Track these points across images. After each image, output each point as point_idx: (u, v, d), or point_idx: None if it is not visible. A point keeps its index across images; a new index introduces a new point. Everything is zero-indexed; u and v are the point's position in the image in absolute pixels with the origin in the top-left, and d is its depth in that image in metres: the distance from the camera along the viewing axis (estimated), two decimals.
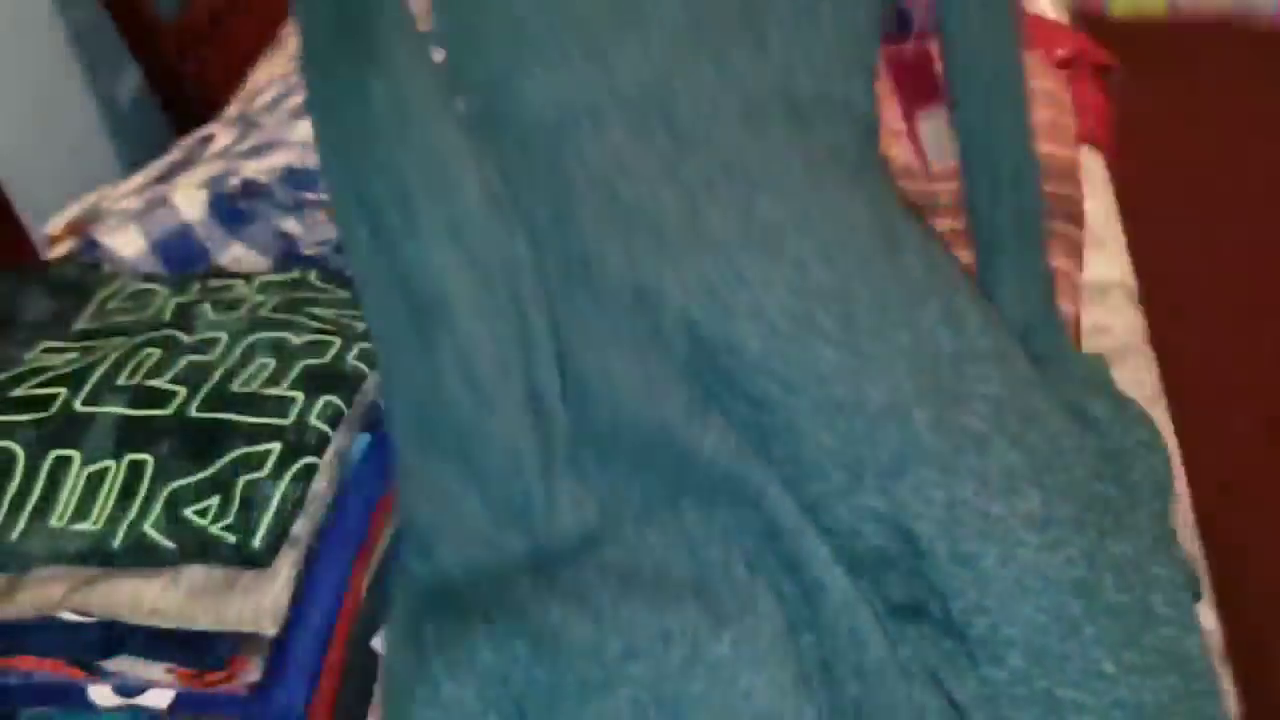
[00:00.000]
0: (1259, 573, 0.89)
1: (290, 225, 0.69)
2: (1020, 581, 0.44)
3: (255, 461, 0.51)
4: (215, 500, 0.50)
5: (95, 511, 0.51)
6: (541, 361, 0.50)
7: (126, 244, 0.70)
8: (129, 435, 0.53)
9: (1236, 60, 1.73)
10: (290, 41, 1.22)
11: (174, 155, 0.83)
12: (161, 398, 0.54)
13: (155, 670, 0.51)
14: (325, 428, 0.53)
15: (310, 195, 0.67)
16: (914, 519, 0.45)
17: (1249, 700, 0.50)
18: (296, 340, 0.58)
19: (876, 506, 0.46)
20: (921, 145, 0.78)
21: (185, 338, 0.60)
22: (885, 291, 0.48)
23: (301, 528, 0.51)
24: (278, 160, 0.70)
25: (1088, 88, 0.88)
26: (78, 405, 0.54)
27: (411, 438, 0.51)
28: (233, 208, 0.69)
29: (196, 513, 0.50)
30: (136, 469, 0.52)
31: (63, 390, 0.55)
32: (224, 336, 0.60)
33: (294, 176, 0.68)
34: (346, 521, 0.55)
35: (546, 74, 0.51)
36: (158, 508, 0.50)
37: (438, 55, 0.54)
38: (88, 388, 0.55)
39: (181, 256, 0.70)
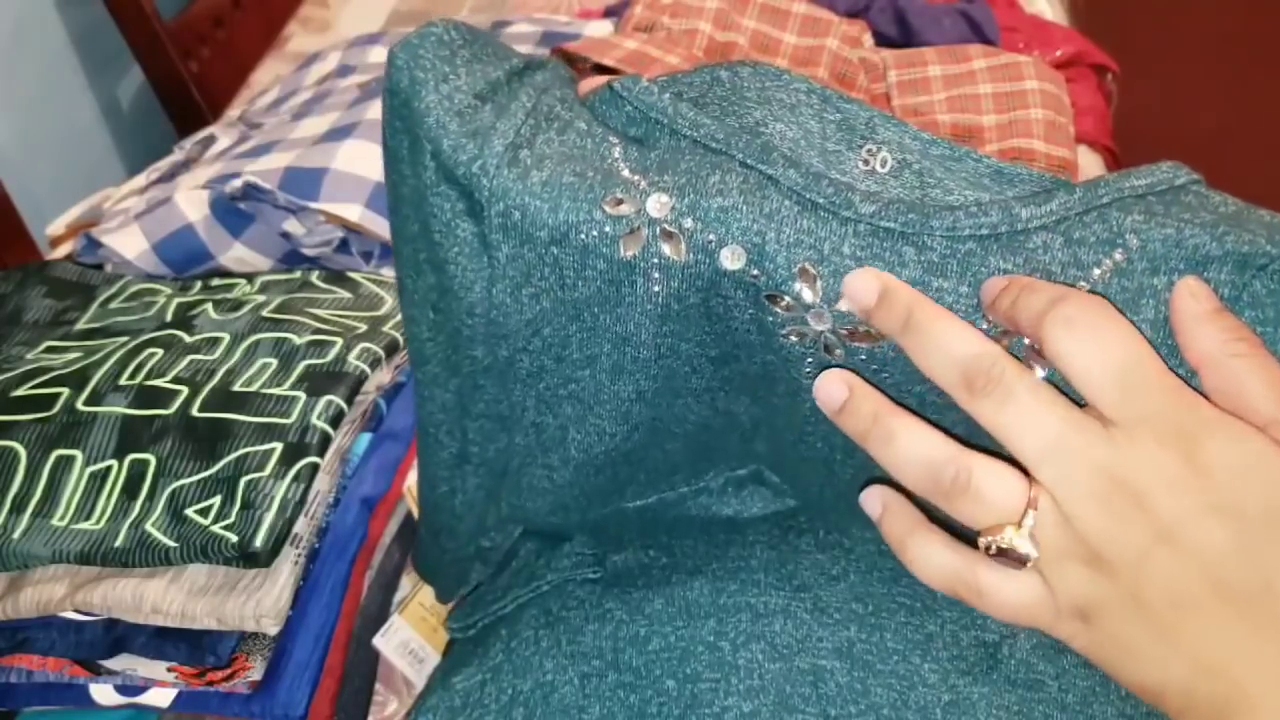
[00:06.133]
0: None
1: (292, 226, 0.69)
2: None
3: (257, 461, 0.51)
4: (217, 500, 0.50)
5: (97, 511, 0.51)
6: None
7: (128, 244, 0.70)
8: (131, 435, 0.53)
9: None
10: (291, 43, 1.22)
11: (175, 156, 0.84)
12: (164, 397, 0.55)
13: (157, 669, 0.51)
14: (327, 427, 0.53)
15: (310, 202, 0.67)
16: None
17: None
18: (298, 340, 0.59)
19: None
20: None
21: (187, 338, 0.60)
22: None
23: (303, 527, 0.52)
24: (278, 161, 0.70)
25: (1087, 89, 0.88)
26: (80, 405, 0.55)
27: None
28: (234, 208, 0.69)
29: (198, 512, 0.50)
30: (139, 468, 0.52)
31: (65, 390, 0.56)
32: (226, 336, 0.60)
33: (294, 177, 0.68)
34: (347, 521, 0.55)
35: None
36: (160, 507, 0.51)
37: None
38: (90, 387, 0.56)
39: (183, 257, 0.70)
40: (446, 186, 0.37)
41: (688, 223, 0.34)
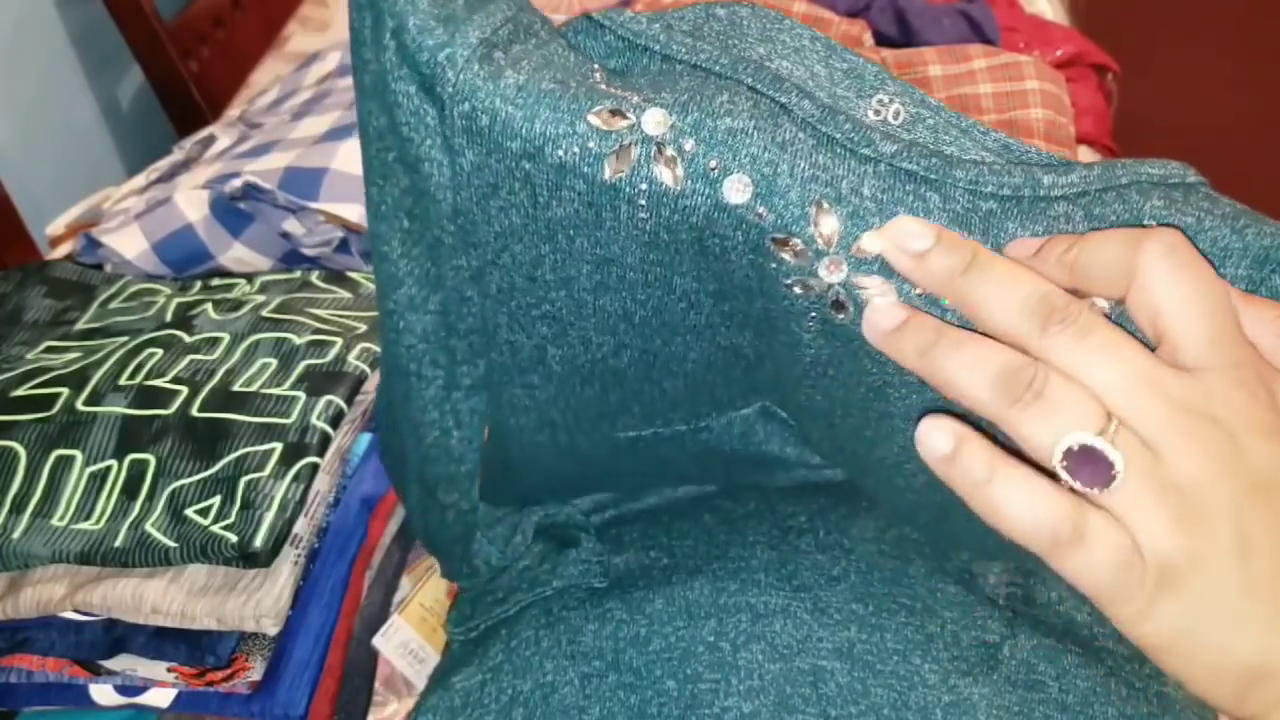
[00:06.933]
0: None
1: (291, 225, 0.69)
2: None
3: (257, 461, 0.51)
4: (217, 500, 0.50)
5: (97, 511, 0.51)
6: None
7: (128, 244, 0.70)
8: (131, 435, 0.53)
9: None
10: (290, 43, 1.22)
11: (175, 156, 0.84)
12: (163, 397, 0.55)
13: (157, 669, 0.51)
14: (327, 427, 0.53)
15: (310, 202, 0.67)
16: None
17: None
18: (298, 340, 0.59)
19: None
20: None
21: (187, 338, 0.60)
22: None
23: (303, 527, 0.52)
24: (278, 161, 0.70)
25: (1087, 88, 0.88)
26: (80, 405, 0.54)
27: None
28: (234, 208, 0.69)
29: (198, 512, 0.50)
30: (138, 468, 0.52)
31: (65, 390, 0.56)
32: (226, 336, 0.60)
33: (294, 177, 0.68)
34: (347, 521, 0.55)
35: None
36: (159, 507, 0.50)
37: None
38: (90, 387, 0.56)
39: (183, 257, 0.70)
40: (409, 70, 0.32)
41: (688, 144, 0.30)
